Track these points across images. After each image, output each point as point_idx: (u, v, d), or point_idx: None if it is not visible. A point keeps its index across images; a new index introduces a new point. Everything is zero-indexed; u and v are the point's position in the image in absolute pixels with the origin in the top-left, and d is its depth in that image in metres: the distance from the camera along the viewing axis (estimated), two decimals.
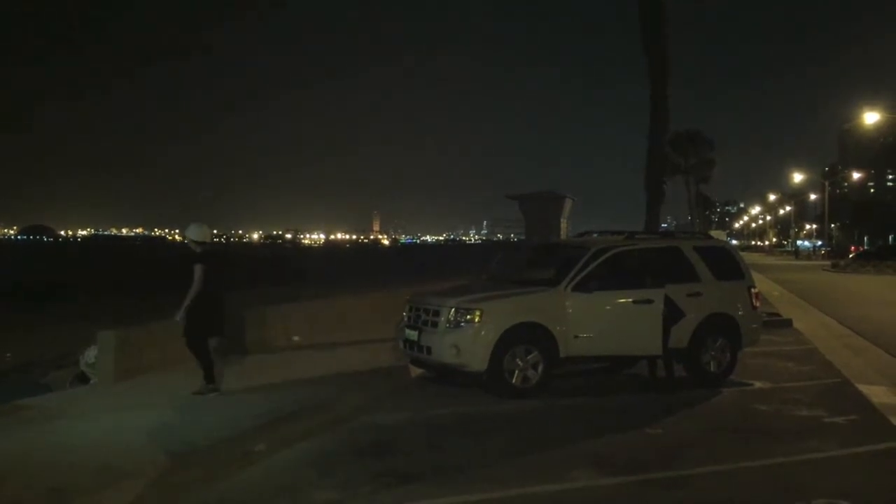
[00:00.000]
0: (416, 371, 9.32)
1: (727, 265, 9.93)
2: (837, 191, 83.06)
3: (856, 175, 79.63)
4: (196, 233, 7.67)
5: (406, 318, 9.11)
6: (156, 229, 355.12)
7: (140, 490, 5.01)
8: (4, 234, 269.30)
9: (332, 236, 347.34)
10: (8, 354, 7.61)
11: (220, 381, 7.84)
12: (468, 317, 8.30)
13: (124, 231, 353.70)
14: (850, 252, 61.20)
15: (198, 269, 7.40)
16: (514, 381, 8.33)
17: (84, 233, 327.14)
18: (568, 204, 29.69)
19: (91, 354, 8.58)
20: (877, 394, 8.53)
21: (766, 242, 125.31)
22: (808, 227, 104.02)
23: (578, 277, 8.76)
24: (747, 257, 15.46)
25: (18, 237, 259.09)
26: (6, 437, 6.10)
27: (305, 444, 6.45)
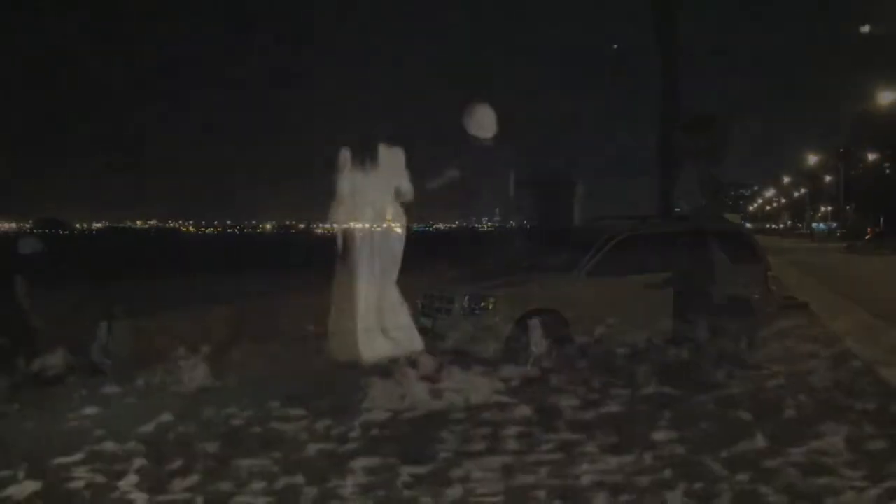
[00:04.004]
0: None
1: (742, 249, 9.83)
2: (852, 172, 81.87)
3: (871, 156, 78.54)
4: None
5: (420, 306, 9.07)
6: (169, 221, 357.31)
7: (149, 474, 5.02)
8: (21, 228, 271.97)
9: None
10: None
11: None
12: (482, 304, 8.26)
13: (138, 223, 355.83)
14: (867, 234, 60.50)
15: None
16: (528, 367, 8.29)
17: (99, 225, 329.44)
18: (580, 189, 29.54)
19: (103, 343, 8.63)
20: None
21: (781, 225, 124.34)
22: (823, 209, 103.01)
23: (592, 263, 8.70)
24: (762, 240, 15.30)
25: (33, 230, 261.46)
26: (17, 426, 6.14)
27: (315, 428, 6.44)
